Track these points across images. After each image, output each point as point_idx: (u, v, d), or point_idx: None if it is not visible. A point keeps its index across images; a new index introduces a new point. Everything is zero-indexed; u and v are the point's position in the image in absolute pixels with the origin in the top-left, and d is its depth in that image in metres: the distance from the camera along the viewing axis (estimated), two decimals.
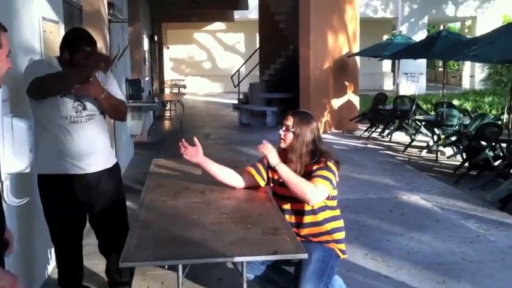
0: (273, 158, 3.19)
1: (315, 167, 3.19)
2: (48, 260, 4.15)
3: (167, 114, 15.00)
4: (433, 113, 12.83)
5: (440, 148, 9.49)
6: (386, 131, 11.75)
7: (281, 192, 3.35)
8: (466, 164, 7.85)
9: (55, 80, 3.00)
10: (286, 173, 3.14)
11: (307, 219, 3.26)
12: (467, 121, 9.67)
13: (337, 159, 3.27)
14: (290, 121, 3.31)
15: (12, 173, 2.90)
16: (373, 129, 12.06)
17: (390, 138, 11.33)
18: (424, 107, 13.47)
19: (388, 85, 26.05)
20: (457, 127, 9.49)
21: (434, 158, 9.26)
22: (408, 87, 21.79)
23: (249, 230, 2.65)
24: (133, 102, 8.92)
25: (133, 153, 9.53)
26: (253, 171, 3.46)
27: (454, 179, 7.52)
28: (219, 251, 2.37)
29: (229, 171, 3.46)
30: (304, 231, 3.27)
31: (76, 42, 3.13)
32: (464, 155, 8.24)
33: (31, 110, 3.20)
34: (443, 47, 9.26)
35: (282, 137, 3.31)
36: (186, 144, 3.37)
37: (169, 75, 24.83)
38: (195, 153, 3.38)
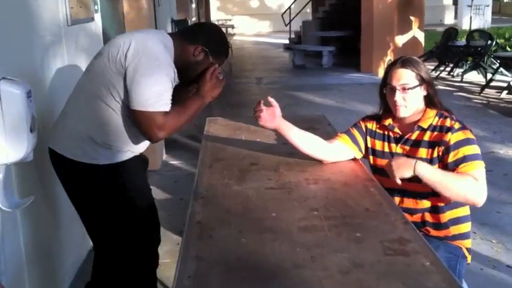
0: (409, 168, 2.15)
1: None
2: (74, 257, 3.37)
3: None
4: (509, 48, 11.57)
5: None
6: (457, 70, 10.60)
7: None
8: None
9: (198, 110, 2.36)
10: (433, 173, 2.14)
11: (425, 202, 2.36)
12: None
13: None
14: (404, 77, 2.36)
15: (6, 164, 1.92)
16: (442, 68, 10.89)
17: (462, 78, 10.18)
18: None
19: (449, 19, 24.33)
20: None
21: None
22: (472, 21, 20.14)
23: (360, 243, 1.71)
24: None
25: None
26: (346, 139, 2.54)
27: None
28: None
29: (315, 140, 2.53)
30: (418, 217, 2.38)
31: (222, 51, 2.43)
32: None
33: (110, 87, 2.18)
34: None
35: (400, 103, 2.34)
36: (261, 106, 2.43)
37: (215, 14, 23.73)
38: (271, 116, 2.43)
